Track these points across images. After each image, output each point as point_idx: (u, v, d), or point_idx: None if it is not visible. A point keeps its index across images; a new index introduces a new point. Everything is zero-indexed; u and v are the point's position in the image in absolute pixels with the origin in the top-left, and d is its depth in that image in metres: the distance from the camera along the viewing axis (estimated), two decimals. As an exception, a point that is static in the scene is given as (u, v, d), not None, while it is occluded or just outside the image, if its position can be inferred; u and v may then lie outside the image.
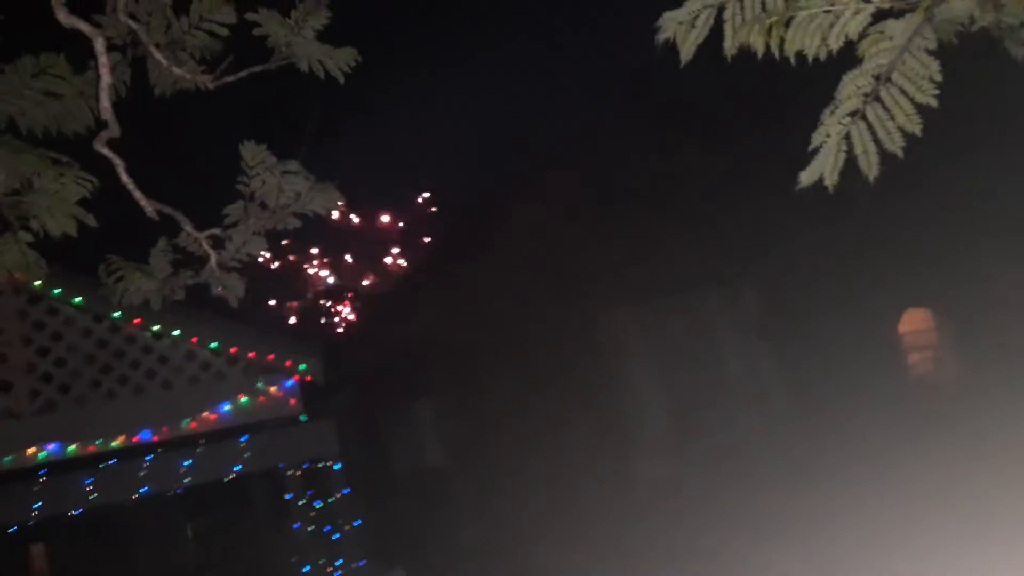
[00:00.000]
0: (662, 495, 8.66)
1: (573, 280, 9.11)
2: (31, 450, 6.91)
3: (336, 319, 18.73)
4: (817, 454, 8.76)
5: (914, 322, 10.46)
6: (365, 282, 20.40)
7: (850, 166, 1.76)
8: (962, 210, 8.90)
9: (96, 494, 7.40)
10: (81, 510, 7.66)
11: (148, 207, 2.07)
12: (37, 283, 7.11)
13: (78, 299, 7.16)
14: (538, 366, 8.82)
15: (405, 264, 19.51)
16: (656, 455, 9.22)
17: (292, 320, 18.27)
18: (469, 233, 11.26)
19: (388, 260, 20.47)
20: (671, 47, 1.81)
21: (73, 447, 7.03)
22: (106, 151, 1.99)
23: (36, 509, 7.26)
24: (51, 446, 6.95)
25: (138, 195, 2.04)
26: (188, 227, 2.18)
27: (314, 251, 20.08)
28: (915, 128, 1.71)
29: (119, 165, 2.01)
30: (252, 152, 2.11)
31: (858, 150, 1.73)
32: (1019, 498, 6.91)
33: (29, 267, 2.11)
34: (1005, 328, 8.94)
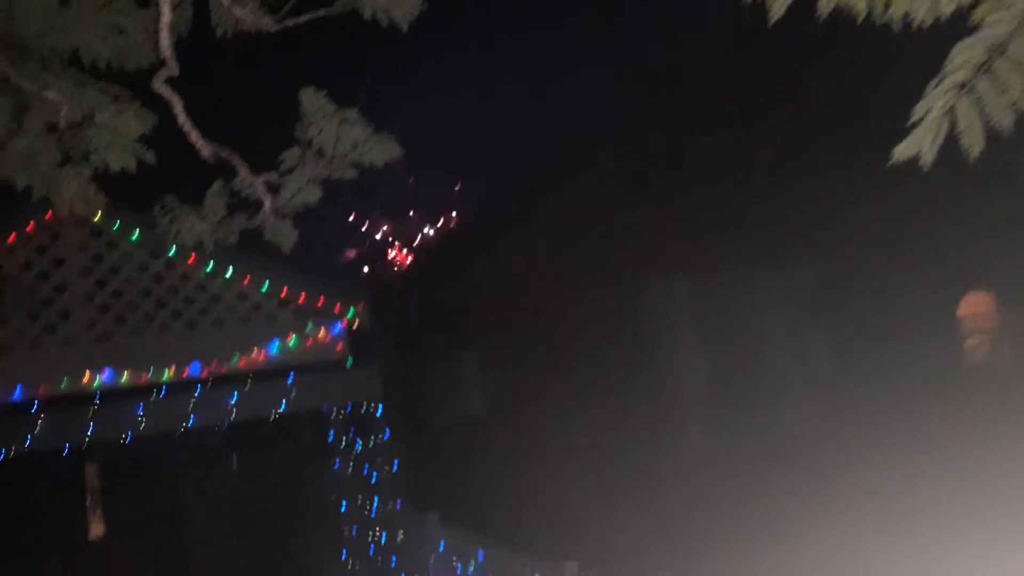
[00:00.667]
0: (698, 461, 8.63)
1: (627, 251, 9.01)
2: (86, 376, 7.12)
3: (387, 269, 18.84)
4: (862, 434, 8.63)
5: (974, 305, 10.17)
6: (419, 237, 20.47)
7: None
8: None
9: (146, 422, 7.60)
10: (131, 437, 7.89)
11: (204, 148, 2.06)
12: (97, 218, 7.26)
13: (135, 235, 7.30)
14: (585, 330, 8.78)
15: (457, 224, 19.51)
16: (697, 424, 9.16)
17: (344, 267, 18.44)
18: (518, 200, 11.18)
19: (442, 219, 20.50)
20: (759, 4, 1.69)
21: (126, 376, 7.22)
22: (165, 90, 1.98)
23: (89, 433, 7.49)
24: (105, 374, 7.15)
25: (194, 136, 2.03)
26: (244, 171, 2.17)
27: (372, 201, 20.17)
28: None
29: (177, 105, 2.00)
30: (311, 99, 2.08)
31: (962, 125, 1.60)
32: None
33: (89, 200, 2.13)
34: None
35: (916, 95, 1.77)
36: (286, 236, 2.24)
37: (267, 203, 2.18)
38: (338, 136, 2.09)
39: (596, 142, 10.12)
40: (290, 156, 2.19)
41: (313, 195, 2.20)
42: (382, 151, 2.14)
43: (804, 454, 8.61)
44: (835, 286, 9.29)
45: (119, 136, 2.01)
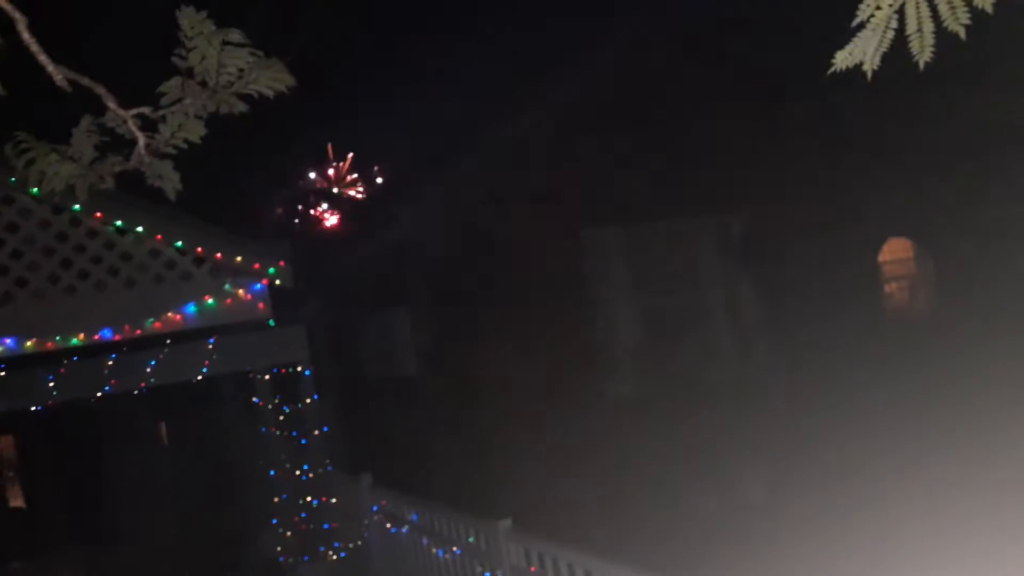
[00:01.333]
0: (630, 414, 8.65)
1: (557, 198, 8.87)
2: (-14, 344, 6.69)
3: (313, 225, 18.39)
4: (789, 377, 8.74)
5: (894, 251, 10.37)
6: (347, 189, 19.97)
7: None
8: (952, 137, 8.69)
9: (58, 391, 7.23)
10: (43, 407, 7.51)
11: (57, 74, 1.79)
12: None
13: (35, 189, 6.81)
14: (517, 282, 8.65)
15: (386, 176, 19.10)
16: (629, 377, 9.17)
17: (265, 223, 17.92)
18: (453, 147, 10.91)
19: (371, 170, 20.02)
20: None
21: (31, 342, 6.80)
22: (3, 2, 1.69)
23: (-4, 404, 7.10)
24: (7, 340, 6.72)
25: (43, 58, 1.76)
26: (112, 103, 1.91)
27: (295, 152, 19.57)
28: (985, 2, 1.41)
29: (19, 20, 1.72)
30: (191, 20, 1.82)
31: (910, 27, 1.44)
32: (983, 427, 6.92)
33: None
34: (980, 260, 8.87)
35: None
36: (169, 179, 1.99)
37: (141, 141, 1.92)
38: (220, 62, 1.84)
39: (528, 81, 9.89)
40: (170, 88, 1.93)
41: (197, 131, 1.95)
42: (270, 79, 1.89)
43: (733, 399, 8.71)
44: (762, 233, 9.34)
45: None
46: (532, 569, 4.82)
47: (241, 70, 1.87)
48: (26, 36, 1.71)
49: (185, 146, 1.96)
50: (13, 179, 6.70)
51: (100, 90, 1.89)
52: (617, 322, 9.17)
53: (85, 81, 1.85)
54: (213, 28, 1.79)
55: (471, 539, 5.47)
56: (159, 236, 7.12)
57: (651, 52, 9.13)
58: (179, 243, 7.15)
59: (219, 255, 7.22)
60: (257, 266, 7.30)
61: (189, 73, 1.89)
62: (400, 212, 9.15)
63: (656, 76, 9.08)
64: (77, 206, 6.84)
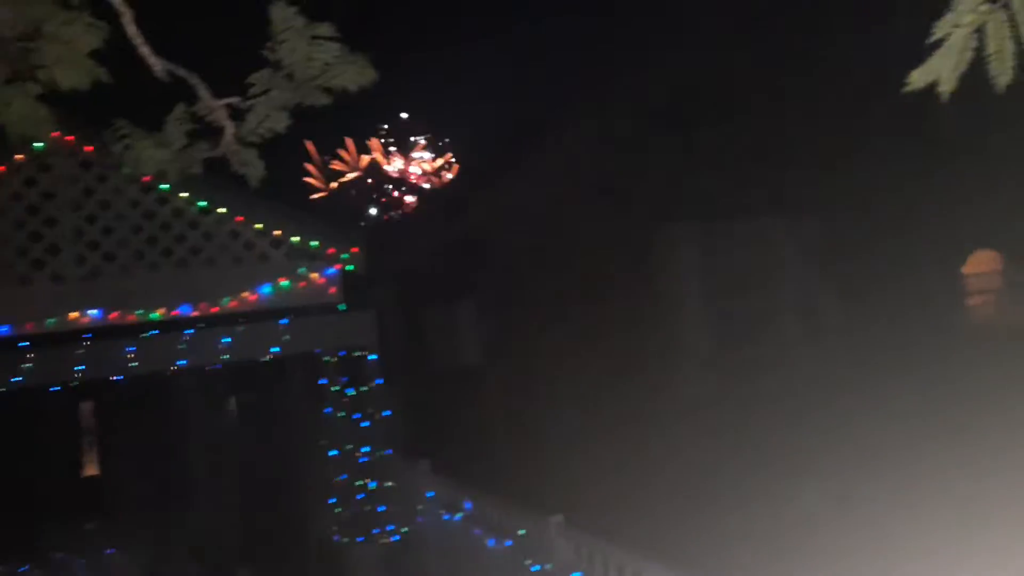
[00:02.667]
0: (696, 416, 8.58)
1: (630, 196, 8.86)
2: (74, 314, 7.01)
3: (386, 213, 18.67)
4: (867, 387, 8.55)
5: (980, 264, 10.05)
6: (421, 180, 20.21)
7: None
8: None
9: (137, 362, 7.52)
10: (122, 376, 7.82)
11: (157, 65, 1.90)
12: (89, 148, 7.09)
13: (128, 168, 7.11)
14: (588, 278, 8.67)
15: (460, 168, 19.25)
16: (698, 378, 9.09)
17: (341, 209, 18.24)
18: (524, 143, 10.97)
19: (444, 160, 20.19)
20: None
21: (115, 315, 7.11)
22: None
23: (79, 371, 7.41)
24: (94, 312, 7.04)
25: (145, 51, 1.87)
26: (205, 93, 2.01)
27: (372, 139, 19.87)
28: None
29: (125, 15, 1.83)
30: (282, 14, 1.91)
31: (992, 48, 1.39)
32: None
33: (38, 122, 1.98)
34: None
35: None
36: (253, 166, 2.09)
37: (229, 130, 2.02)
38: (309, 56, 1.92)
39: (605, 83, 9.89)
40: (258, 79, 2.02)
41: (281, 122, 2.04)
42: (355, 75, 1.97)
43: (807, 404, 8.56)
44: (843, 237, 9.17)
45: (70, 51, 1.84)
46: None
47: (327, 64, 1.95)
48: (132, 29, 1.82)
49: (270, 135, 2.05)
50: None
51: (194, 80, 1.99)
52: (689, 322, 9.12)
53: (181, 72, 1.95)
54: (303, 22, 1.87)
55: (522, 532, 5.51)
56: (240, 218, 7.36)
57: (738, 51, 9.03)
58: (259, 225, 7.37)
59: (296, 239, 7.42)
60: (332, 251, 7.48)
61: (277, 66, 1.97)
62: (473, 204, 9.25)
63: (742, 75, 8.98)
64: (165, 186, 7.12)
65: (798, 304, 9.33)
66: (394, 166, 20.54)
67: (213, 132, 2.10)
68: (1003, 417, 7.76)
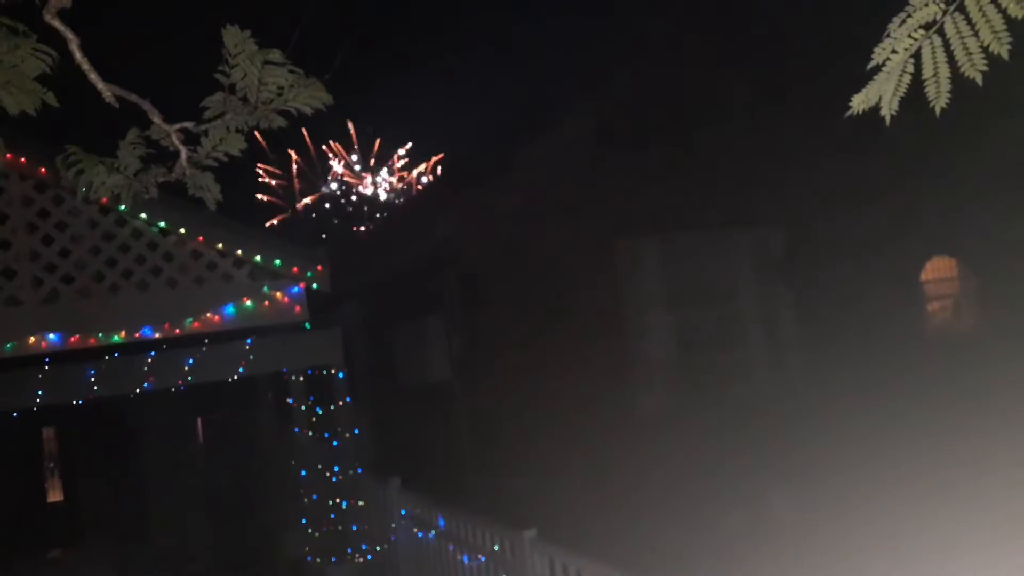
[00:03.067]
0: (660, 428, 8.63)
1: (592, 208, 8.89)
2: (32, 339, 6.88)
3: (350, 231, 18.62)
4: (826, 395, 8.66)
5: (937, 270, 10.22)
6: (383, 196, 20.19)
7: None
8: (998, 154, 8.56)
9: (98, 386, 7.42)
10: (84, 401, 7.71)
11: (106, 91, 1.87)
12: (43, 171, 6.99)
13: (84, 189, 7.01)
14: (551, 293, 8.68)
15: (426, 181, 19.26)
16: (662, 390, 9.14)
17: (303, 228, 18.19)
18: (489, 157, 10.99)
19: (411, 174, 20.20)
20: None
21: (75, 338, 6.99)
22: (57, 23, 1.78)
23: (39, 396, 7.29)
24: (53, 336, 6.92)
25: (93, 77, 1.84)
26: (156, 118, 1.99)
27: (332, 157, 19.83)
28: (1002, 49, 1.38)
29: (72, 40, 1.81)
30: (235, 38, 1.90)
31: (927, 72, 1.41)
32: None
33: (-13, 148, 1.95)
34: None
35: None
36: (209, 190, 2.07)
37: (183, 154, 2.00)
38: (261, 79, 1.91)
39: (562, 100, 9.95)
40: (213, 103, 2.01)
41: (237, 144, 2.02)
42: (309, 97, 1.96)
43: (766, 415, 8.65)
44: (801, 248, 9.27)
45: (17, 76, 1.82)
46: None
47: (281, 88, 1.94)
48: (78, 56, 1.80)
49: (226, 159, 2.04)
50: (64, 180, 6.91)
51: (146, 106, 1.97)
52: (651, 335, 9.16)
53: (133, 98, 1.93)
54: (256, 47, 1.87)
55: (496, 547, 5.49)
56: (200, 238, 7.29)
57: (691, 61, 9.13)
58: (220, 245, 7.30)
59: (258, 258, 7.36)
60: (296, 270, 7.43)
61: (231, 89, 1.96)
62: (435, 218, 9.24)
63: (695, 86, 9.07)
64: (122, 207, 7.03)
65: (760, 314, 9.43)
66: (362, 182, 20.54)
67: (169, 155, 2.08)
68: (963, 420, 7.90)
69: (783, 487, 8.42)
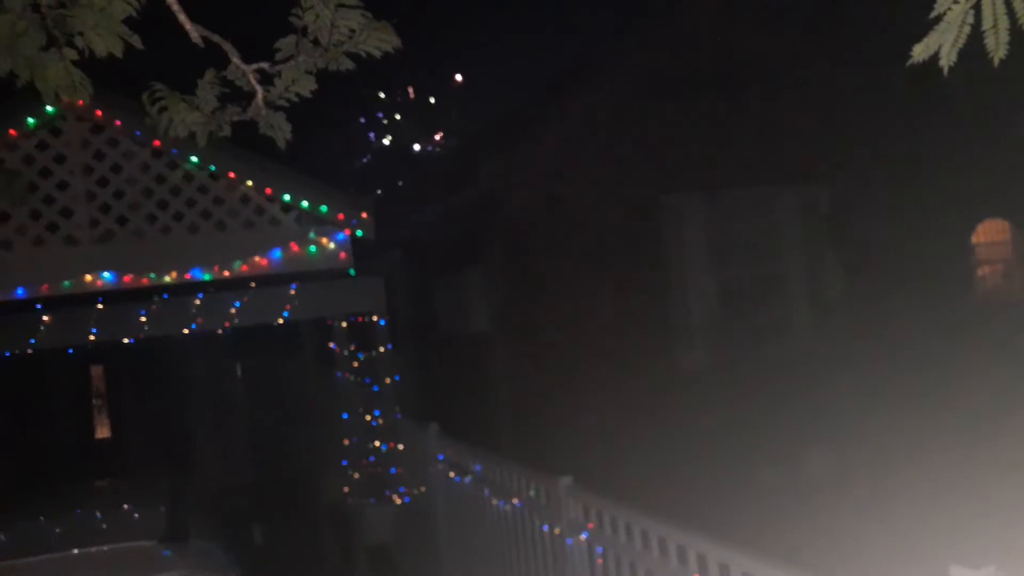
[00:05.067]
0: (699, 384, 8.67)
1: (637, 163, 8.86)
2: (88, 277, 7.10)
3: (395, 179, 18.67)
4: (870, 359, 8.63)
5: (989, 233, 10.06)
6: (429, 145, 20.19)
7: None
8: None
9: (148, 326, 7.63)
10: (134, 339, 7.93)
11: (193, 32, 1.95)
12: (99, 113, 7.14)
13: (138, 132, 7.18)
14: (593, 247, 8.70)
15: (466, 135, 19.20)
16: (702, 347, 9.15)
17: (350, 175, 18.29)
18: (534, 106, 10.95)
19: (447, 130, 20.16)
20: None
21: (128, 278, 7.20)
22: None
23: (92, 334, 7.52)
24: (107, 275, 7.13)
25: (183, 17, 1.92)
26: (236, 58, 2.06)
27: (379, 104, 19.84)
28: None
29: (163, -20, 1.89)
30: (309, -17, 1.96)
31: (987, 24, 1.45)
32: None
33: (75, 86, 2.04)
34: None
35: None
36: (281, 129, 2.15)
37: (259, 93, 2.08)
38: (334, 23, 1.97)
39: (608, 52, 9.85)
40: (285, 45, 2.08)
41: (308, 86, 2.09)
42: (379, 40, 2.02)
43: (809, 379, 8.65)
44: (849, 206, 9.16)
45: (105, 18, 1.90)
46: (590, 525, 4.93)
47: (352, 31, 2.00)
48: (169, -4, 1.87)
49: (297, 99, 2.11)
50: (119, 123, 7.07)
51: (227, 46, 2.05)
52: (693, 292, 9.14)
53: (216, 38, 2.01)
54: (330, -9, 1.93)
55: (532, 492, 5.59)
56: (249, 183, 7.42)
57: (740, 13, 8.97)
58: (267, 190, 7.43)
59: (306, 203, 7.48)
60: (341, 216, 7.55)
61: (303, 31, 2.03)
62: (478, 170, 9.27)
63: (746, 39, 8.92)
64: (175, 150, 7.19)
65: (804, 274, 9.37)
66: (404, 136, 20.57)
67: (241, 97, 2.15)
68: (1008, 385, 7.84)
69: (821, 446, 8.46)
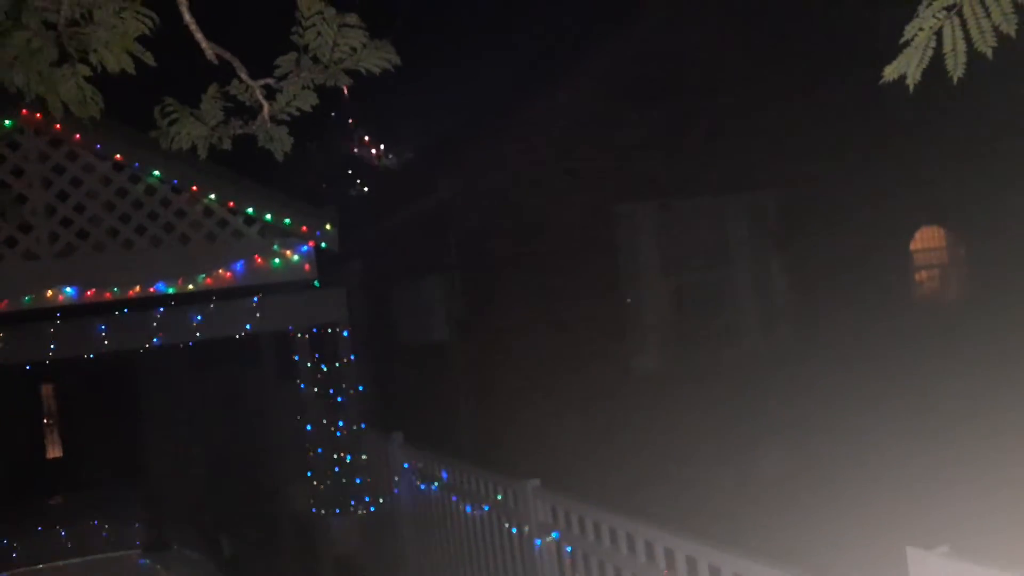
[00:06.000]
0: (654, 389, 8.90)
1: (592, 172, 9.07)
2: (49, 292, 7.05)
3: (357, 190, 18.65)
4: (817, 361, 8.94)
5: (927, 239, 10.49)
6: (391, 156, 20.21)
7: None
8: (988, 124, 8.80)
9: (109, 341, 7.58)
10: (93, 355, 7.86)
11: (209, 49, 2.06)
12: (57, 127, 7.10)
13: (98, 145, 7.16)
14: (550, 255, 8.88)
15: (429, 146, 19.28)
16: (656, 353, 9.39)
17: (313, 186, 18.23)
18: (491, 117, 11.12)
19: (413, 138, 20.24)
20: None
21: (89, 292, 7.15)
22: (170, -14, 1.96)
23: (52, 350, 7.45)
24: (69, 289, 7.08)
25: (199, 36, 2.03)
26: (243, 74, 2.17)
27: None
28: (1010, 28, 1.66)
29: (183, 2, 1.99)
30: (308, 2, 2.08)
31: (947, 47, 1.69)
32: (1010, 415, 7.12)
33: (86, 101, 2.12)
34: (1014, 249, 9.01)
35: (897, 17, 1.85)
36: (282, 142, 2.26)
37: (265, 108, 2.19)
38: (336, 41, 2.09)
39: (562, 64, 10.07)
40: (284, 61, 2.19)
41: (309, 101, 2.21)
42: (379, 58, 2.15)
43: (755, 379, 8.93)
44: (795, 214, 9.49)
45: (119, 36, 1.99)
46: (558, 527, 5.03)
47: (353, 48, 2.13)
48: (187, 16, 1.97)
49: (298, 113, 2.23)
50: (78, 136, 7.04)
51: (237, 63, 2.16)
52: (646, 298, 9.39)
53: (228, 55, 2.12)
54: (333, 12, 2.05)
55: (500, 496, 5.68)
56: (212, 195, 7.43)
57: (688, 25, 9.27)
58: (230, 203, 7.45)
59: (269, 215, 7.52)
60: (305, 229, 7.60)
61: (304, 49, 2.15)
62: (436, 180, 9.39)
63: (692, 50, 9.22)
64: (135, 164, 7.19)
65: (754, 278, 9.68)
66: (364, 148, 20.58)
67: (243, 110, 2.26)
68: (946, 383, 8.21)
69: (772, 446, 8.74)
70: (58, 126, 7.10)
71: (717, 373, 9.02)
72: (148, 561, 4.31)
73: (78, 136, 7.14)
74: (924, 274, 10.73)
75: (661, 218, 9.46)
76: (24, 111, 6.88)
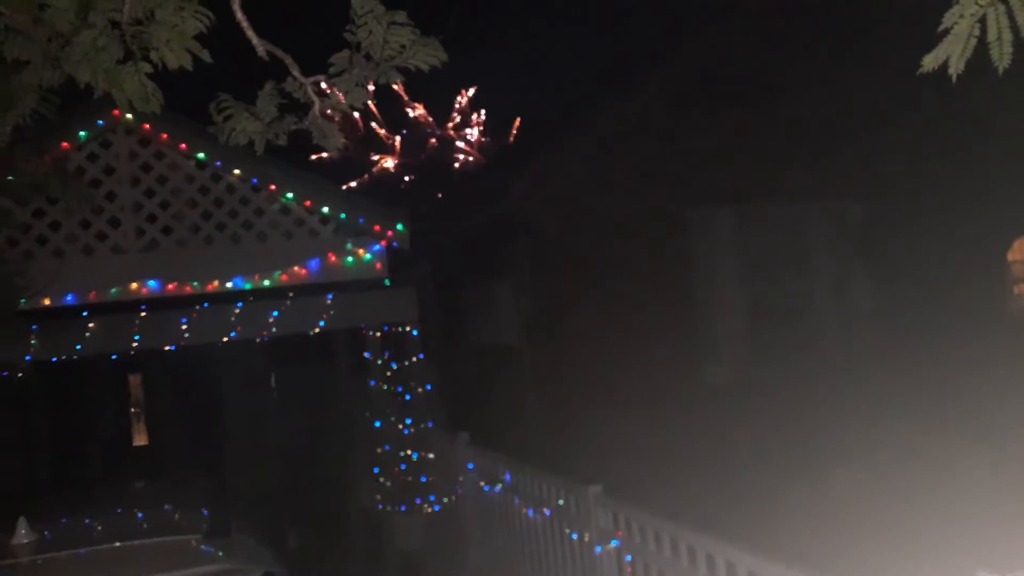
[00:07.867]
0: (727, 397, 8.72)
1: (666, 177, 8.96)
2: (134, 285, 7.35)
3: (430, 191, 18.87)
4: (901, 376, 8.62)
5: (1024, 251, 10.01)
6: (461, 156, 20.39)
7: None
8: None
9: (189, 334, 7.84)
10: (175, 347, 8.15)
11: (260, 47, 2.12)
12: (146, 127, 7.41)
13: (183, 144, 7.44)
14: (622, 260, 8.81)
15: (501, 149, 19.40)
16: (731, 362, 9.19)
17: (386, 187, 18.53)
18: (563, 123, 11.10)
19: (479, 138, 20.37)
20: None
21: (171, 286, 7.43)
22: (224, -16, 2.02)
23: (136, 341, 7.76)
24: (152, 283, 7.37)
25: (250, 33, 2.09)
26: (296, 72, 2.23)
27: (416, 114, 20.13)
28: None
29: (235, 1, 2.05)
30: (363, 2, 2.12)
31: (991, 36, 1.58)
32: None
33: (147, 97, 2.21)
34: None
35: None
36: (333, 139, 2.31)
37: (316, 105, 2.25)
38: (385, 39, 2.13)
39: (638, 66, 9.97)
40: (339, 59, 2.24)
41: (360, 98, 2.26)
42: (427, 55, 2.18)
43: (838, 397, 8.65)
44: (882, 223, 9.17)
45: (178, 34, 2.07)
46: (619, 533, 4.99)
47: (403, 46, 2.16)
48: (239, 14, 2.04)
49: (350, 110, 2.27)
50: (165, 136, 7.32)
51: (288, 60, 2.22)
52: (719, 306, 9.20)
53: (279, 53, 2.18)
54: (383, 10, 2.09)
55: (561, 502, 5.67)
56: (290, 194, 7.63)
57: (769, 25, 9.06)
58: (307, 202, 7.64)
59: (343, 215, 7.68)
60: (377, 228, 7.73)
61: (357, 47, 2.19)
62: (509, 183, 9.42)
63: (782, 52, 8.99)
64: (218, 163, 7.45)
65: (835, 289, 9.38)
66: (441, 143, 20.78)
67: (297, 107, 2.32)
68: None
69: (849, 464, 8.45)
70: (147, 125, 7.41)
71: (792, 387, 8.76)
72: (209, 547, 4.46)
73: (165, 136, 7.44)
74: (1023, 287, 10.23)
75: (737, 224, 9.27)
76: (116, 112, 7.20)
